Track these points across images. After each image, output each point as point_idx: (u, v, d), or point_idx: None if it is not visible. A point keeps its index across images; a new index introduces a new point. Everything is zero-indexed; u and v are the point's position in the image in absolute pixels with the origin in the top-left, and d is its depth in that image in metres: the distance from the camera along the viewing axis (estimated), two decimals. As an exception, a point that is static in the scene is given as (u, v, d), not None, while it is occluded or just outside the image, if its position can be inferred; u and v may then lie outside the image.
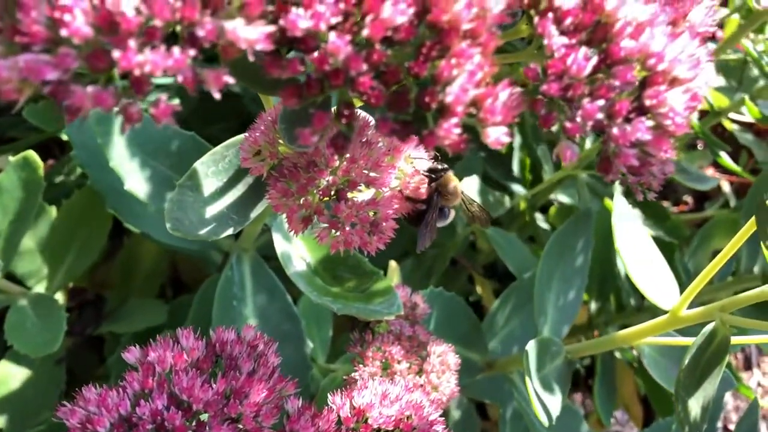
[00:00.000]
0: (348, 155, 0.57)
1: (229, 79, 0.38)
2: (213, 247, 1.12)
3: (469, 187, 1.10)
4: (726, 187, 2.08)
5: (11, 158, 1.05)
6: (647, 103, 0.43)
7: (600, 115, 0.43)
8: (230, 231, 0.73)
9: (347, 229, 0.56)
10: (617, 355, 1.52)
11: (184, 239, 1.06)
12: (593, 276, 1.36)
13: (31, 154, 1.04)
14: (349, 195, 0.57)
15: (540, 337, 0.85)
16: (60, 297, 1.19)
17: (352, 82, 0.39)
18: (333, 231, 0.57)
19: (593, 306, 1.42)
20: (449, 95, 0.39)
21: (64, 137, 1.23)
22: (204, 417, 0.56)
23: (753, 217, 0.67)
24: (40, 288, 1.18)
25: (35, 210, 1.06)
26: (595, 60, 0.42)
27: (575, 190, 1.28)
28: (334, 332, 1.10)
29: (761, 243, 0.65)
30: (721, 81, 1.73)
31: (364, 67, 0.39)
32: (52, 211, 1.21)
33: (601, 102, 0.42)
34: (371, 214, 0.57)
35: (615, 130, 0.43)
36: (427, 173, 0.65)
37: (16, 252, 1.17)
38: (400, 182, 0.62)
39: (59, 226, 1.18)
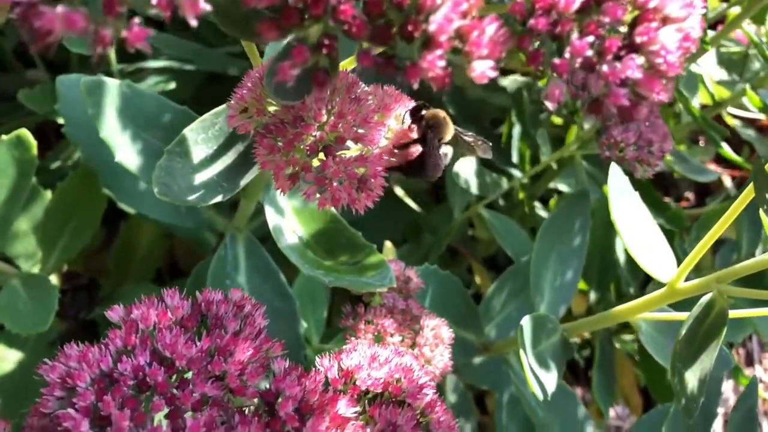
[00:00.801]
0: (336, 110, 0.56)
1: (206, 6, 0.37)
2: (207, 227, 1.11)
3: (466, 167, 1.09)
4: (728, 182, 2.07)
5: (4, 137, 1.04)
6: (638, 40, 0.42)
7: (589, 52, 0.42)
8: (219, 198, 0.72)
9: (335, 185, 0.55)
10: (617, 345, 1.50)
11: (178, 216, 1.06)
12: (593, 265, 1.35)
13: (24, 132, 1.03)
14: (338, 152, 0.56)
15: (536, 313, 0.84)
16: (53, 279, 1.18)
17: (332, 12, 0.38)
18: (320, 188, 0.56)
19: (592, 296, 1.40)
20: (432, 24, 0.38)
21: (60, 120, 1.22)
22: (188, 375, 0.55)
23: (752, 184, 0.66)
24: (33, 270, 1.17)
25: (28, 189, 1.05)
26: (584, -5, 0.41)
27: (575, 180, 1.27)
28: (329, 314, 1.09)
29: (760, 210, 0.64)
30: (723, 74, 1.72)
31: (346, -6, 0.38)
32: (47, 194, 1.20)
33: (590, 38, 0.41)
34: (360, 170, 0.56)
35: (605, 67, 0.42)
36: (412, 112, 0.64)
37: (9, 231, 1.16)
38: (390, 139, 0.61)
39: (53, 208, 1.17)
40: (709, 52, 1.26)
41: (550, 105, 0.42)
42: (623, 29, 0.43)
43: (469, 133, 0.71)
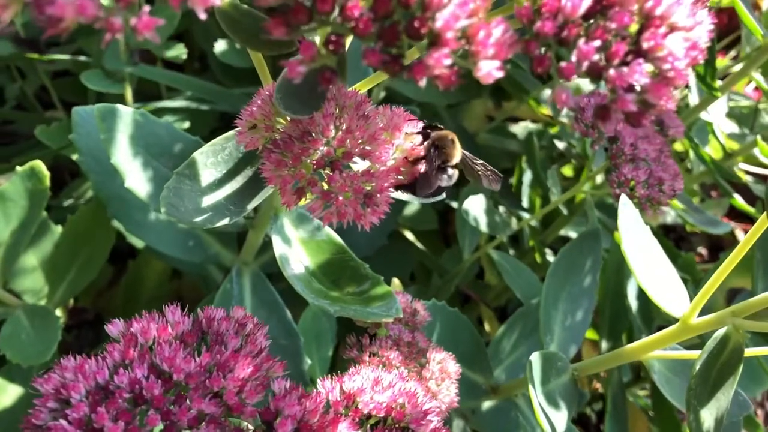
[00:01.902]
0: (344, 126, 0.56)
1: (216, 1, 0.37)
2: (215, 263, 1.10)
3: (475, 205, 1.08)
4: (741, 236, 2.05)
5: (18, 168, 1.06)
6: (645, 46, 0.42)
7: (596, 57, 0.42)
8: (226, 221, 0.72)
9: (340, 199, 0.55)
10: (629, 398, 1.46)
11: (185, 250, 1.06)
12: (604, 313, 1.32)
13: (38, 163, 1.05)
14: (344, 168, 0.56)
15: (545, 350, 0.81)
16: (58, 312, 1.17)
17: (340, 9, 0.39)
18: (326, 202, 0.56)
19: (604, 345, 1.37)
20: (439, 20, 0.38)
21: (74, 157, 1.24)
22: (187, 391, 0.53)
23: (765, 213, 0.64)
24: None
25: (39, 220, 1.06)
26: (590, 0, 0.42)
27: (587, 223, 1.26)
28: (334, 354, 1.07)
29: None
30: (733, 127, 1.72)
31: (353, -9, 0.38)
32: (57, 229, 1.21)
33: (597, 43, 0.42)
34: (366, 186, 0.56)
35: (612, 72, 0.41)
36: (422, 130, 0.63)
37: (17, 265, 1.17)
38: (398, 159, 0.61)
39: (62, 243, 1.18)
40: (720, 99, 1.27)
41: (554, 110, 0.42)
42: (631, 36, 0.43)
43: (480, 161, 0.70)
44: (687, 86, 1.49)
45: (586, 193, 1.08)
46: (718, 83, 1.28)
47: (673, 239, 2.07)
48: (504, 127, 1.41)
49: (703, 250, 2.20)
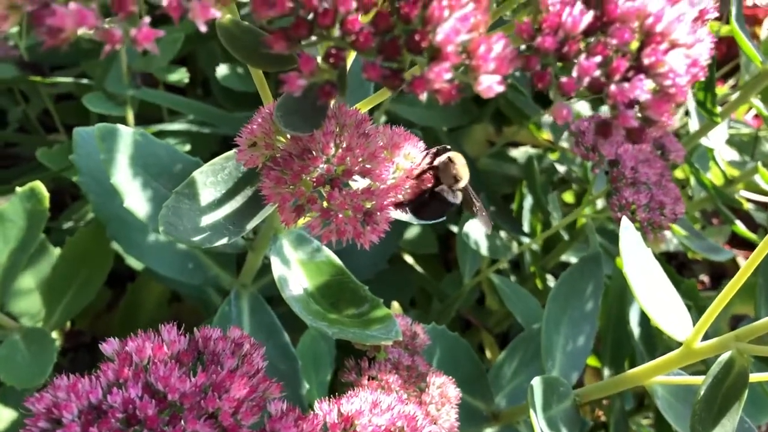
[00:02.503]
0: (344, 144, 0.56)
1: (216, 13, 0.37)
2: (214, 286, 1.09)
3: (476, 229, 1.08)
4: (742, 263, 2.03)
5: (18, 189, 1.05)
6: (646, 62, 0.42)
7: (597, 72, 0.41)
8: (225, 240, 0.71)
9: (340, 216, 0.54)
10: (632, 428, 1.43)
11: (184, 272, 1.05)
12: (606, 341, 1.31)
13: (38, 184, 1.04)
14: (345, 184, 0.56)
15: (546, 375, 0.80)
16: (55, 335, 1.16)
17: (341, 23, 0.39)
18: (325, 220, 0.55)
19: (606, 373, 1.35)
20: (440, 34, 0.38)
21: (75, 178, 1.24)
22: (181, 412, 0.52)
23: None
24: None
25: (37, 241, 1.05)
26: (590, 17, 0.42)
27: (588, 248, 1.25)
28: (333, 379, 1.06)
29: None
30: (734, 155, 1.73)
31: (354, 4, 0.38)
32: (55, 251, 1.20)
33: (597, 59, 0.41)
34: (366, 204, 0.55)
35: (613, 87, 0.41)
36: (430, 153, 0.63)
37: (13, 287, 1.16)
38: (398, 178, 0.60)
39: (60, 264, 1.17)
40: (720, 125, 1.27)
41: (558, 122, 0.42)
42: (631, 53, 0.43)
43: (479, 203, 0.70)
44: (687, 112, 1.50)
45: (587, 216, 1.07)
46: (718, 109, 1.29)
47: (675, 266, 2.05)
48: (504, 152, 1.42)
49: (705, 278, 2.19)
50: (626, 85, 0.41)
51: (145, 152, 0.86)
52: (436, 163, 0.62)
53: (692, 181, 1.58)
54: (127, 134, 0.85)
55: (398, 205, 0.60)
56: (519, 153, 1.42)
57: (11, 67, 1.45)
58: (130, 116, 1.29)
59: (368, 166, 0.56)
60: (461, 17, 0.39)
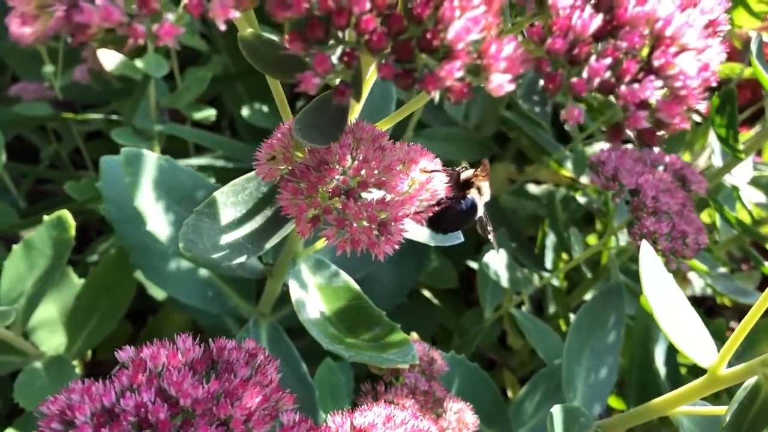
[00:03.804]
0: (361, 156, 0.57)
1: (235, 14, 0.39)
2: (233, 316, 1.10)
3: (496, 260, 1.07)
4: (774, 308, 1.98)
5: (46, 218, 1.08)
6: (656, 63, 0.42)
7: (607, 74, 0.42)
8: (243, 258, 0.72)
9: (354, 226, 0.55)
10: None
11: (204, 300, 1.05)
12: (631, 381, 1.28)
13: (65, 212, 1.07)
14: (360, 195, 0.56)
15: (567, 404, 0.79)
16: (75, 364, 1.17)
17: (355, 24, 0.40)
18: (340, 230, 0.56)
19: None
20: (451, 32, 0.39)
21: (101, 210, 1.26)
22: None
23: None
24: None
25: (62, 269, 1.07)
26: (600, 20, 0.42)
27: (610, 278, 1.24)
28: (351, 408, 1.04)
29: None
30: (760, 197, 1.71)
31: (368, 5, 0.39)
32: (79, 282, 1.22)
33: (608, 60, 0.42)
34: (381, 215, 0.56)
35: (623, 88, 0.42)
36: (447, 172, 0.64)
37: (37, 312, 1.17)
38: (414, 189, 0.61)
39: (84, 294, 1.19)
40: (744, 162, 1.26)
41: (568, 124, 0.42)
42: (642, 57, 0.44)
43: (490, 229, 0.70)
44: (712, 151, 1.49)
45: (610, 249, 1.06)
46: (741, 146, 1.28)
47: (704, 311, 2.01)
48: (525, 189, 1.42)
49: (734, 324, 2.14)
50: (636, 85, 0.42)
51: (168, 177, 0.88)
52: (459, 176, 0.63)
53: (718, 221, 1.57)
54: (152, 159, 0.87)
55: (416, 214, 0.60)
56: (540, 190, 1.42)
57: (45, 105, 1.50)
58: (157, 150, 1.32)
59: (384, 178, 0.57)
60: (472, 18, 0.40)
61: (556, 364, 1.07)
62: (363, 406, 0.59)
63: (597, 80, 0.42)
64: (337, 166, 0.56)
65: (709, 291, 1.92)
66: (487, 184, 0.65)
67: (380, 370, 0.78)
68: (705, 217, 1.75)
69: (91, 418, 0.50)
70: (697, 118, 1.58)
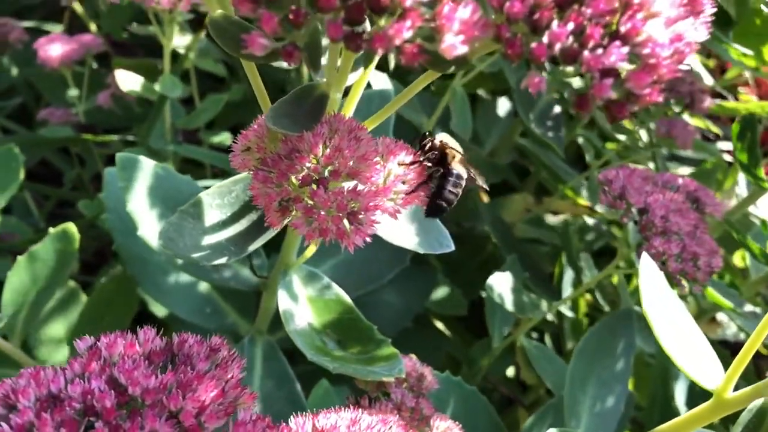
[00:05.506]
0: (334, 144, 0.55)
1: None
2: (231, 331, 1.07)
3: (501, 282, 1.03)
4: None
5: (51, 230, 1.08)
6: (622, 29, 0.40)
7: (569, 39, 0.40)
8: (224, 260, 0.70)
9: (322, 214, 0.53)
10: None
11: (201, 315, 1.04)
12: (652, 420, 1.22)
13: (70, 225, 1.07)
14: (331, 185, 0.54)
15: (566, 428, 0.74)
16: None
17: (304, -17, 0.39)
18: (308, 218, 0.53)
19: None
20: (400, -11, 0.38)
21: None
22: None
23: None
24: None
25: (65, 280, 1.07)
26: (563, -17, 0.40)
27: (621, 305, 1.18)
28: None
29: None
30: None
31: (315, -37, 0.38)
32: (84, 298, 1.22)
33: (570, 26, 0.40)
34: (351, 204, 0.54)
35: (586, 53, 0.39)
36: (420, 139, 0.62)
37: (42, 330, 1.17)
38: (389, 182, 0.58)
39: (87, 310, 1.18)
40: (769, 193, 1.21)
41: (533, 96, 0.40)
42: (609, 25, 0.41)
43: (480, 179, 0.68)
44: (736, 182, 1.44)
45: (619, 271, 1.01)
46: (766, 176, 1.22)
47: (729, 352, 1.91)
48: (541, 218, 1.38)
49: (772, 374, 2.03)
50: (600, 51, 0.39)
51: (165, 185, 0.88)
52: (427, 148, 0.61)
53: (748, 260, 1.50)
54: (148, 165, 0.86)
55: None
56: (556, 220, 1.38)
57: (68, 129, 1.53)
58: (170, 170, 1.33)
59: (357, 168, 0.55)
60: (424, -23, 0.38)
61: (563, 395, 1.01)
62: (328, 409, 0.56)
63: (558, 46, 0.40)
64: (309, 154, 0.55)
65: (742, 335, 1.83)
66: (458, 146, 0.63)
67: (366, 384, 0.75)
68: (738, 260, 1.67)
69: (35, 403, 0.48)
70: (728, 158, 1.53)
